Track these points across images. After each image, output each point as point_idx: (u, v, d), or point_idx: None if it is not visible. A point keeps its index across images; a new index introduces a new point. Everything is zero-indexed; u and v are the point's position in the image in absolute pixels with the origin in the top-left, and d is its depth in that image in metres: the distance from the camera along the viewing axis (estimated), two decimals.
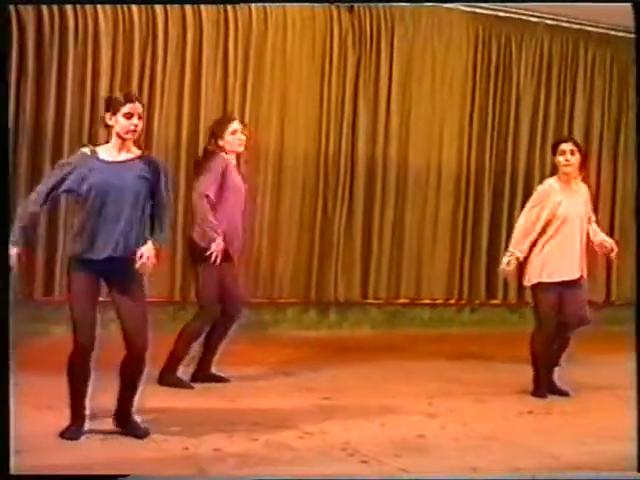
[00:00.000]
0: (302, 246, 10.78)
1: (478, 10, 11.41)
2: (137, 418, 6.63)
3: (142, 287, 6.51)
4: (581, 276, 8.41)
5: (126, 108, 6.41)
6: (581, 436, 7.45)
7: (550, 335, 8.47)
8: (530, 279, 8.44)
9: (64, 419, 6.39)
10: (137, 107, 6.42)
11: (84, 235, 6.34)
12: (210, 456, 6.36)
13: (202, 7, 10.06)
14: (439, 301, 11.66)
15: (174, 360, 8.08)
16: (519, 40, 11.82)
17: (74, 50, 9.57)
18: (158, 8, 9.87)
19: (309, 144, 10.72)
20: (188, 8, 9.99)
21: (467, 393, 8.60)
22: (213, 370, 8.30)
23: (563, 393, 8.58)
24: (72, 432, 6.39)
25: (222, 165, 7.96)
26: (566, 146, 8.25)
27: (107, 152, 6.42)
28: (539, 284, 8.37)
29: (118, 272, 6.37)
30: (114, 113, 6.39)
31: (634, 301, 10.52)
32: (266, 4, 10.26)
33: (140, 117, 6.42)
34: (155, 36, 9.92)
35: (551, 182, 8.40)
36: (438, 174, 11.48)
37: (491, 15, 11.53)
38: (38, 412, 6.65)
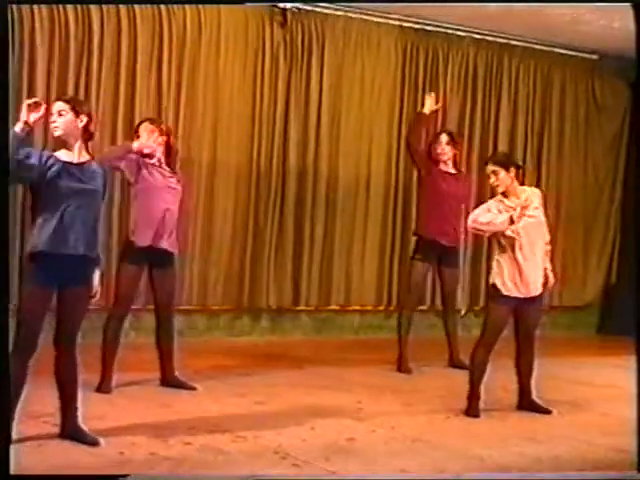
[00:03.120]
0: (234, 254, 10.81)
1: (406, 24, 11.51)
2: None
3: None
4: None
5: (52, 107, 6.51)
6: (506, 438, 7.59)
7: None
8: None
9: None
10: (56, 105, 6.49)
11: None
12: (145, 460, 6.41)
13: (137, 17, 10.04)
14: (368, 308, 11.73)
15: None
16: (446, 53, 11.94)
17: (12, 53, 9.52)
18: (94, 12, 9.83)
19: (241, 156, 10.76)
20: (123, 14, 9.97)
21: (396, 397, 8.68)
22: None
23: (545, 411, 8.37)
24: None
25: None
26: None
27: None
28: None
29: None
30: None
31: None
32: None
33: (60, 114, 6.45)
34: (90, 42, 9.89)
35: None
36: (367, 185, 11.55)
37: (419, 29, 11.64)
38: None
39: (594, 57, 12.89)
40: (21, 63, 9.59)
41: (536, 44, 12.40)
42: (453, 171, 9.83)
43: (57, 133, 6.50)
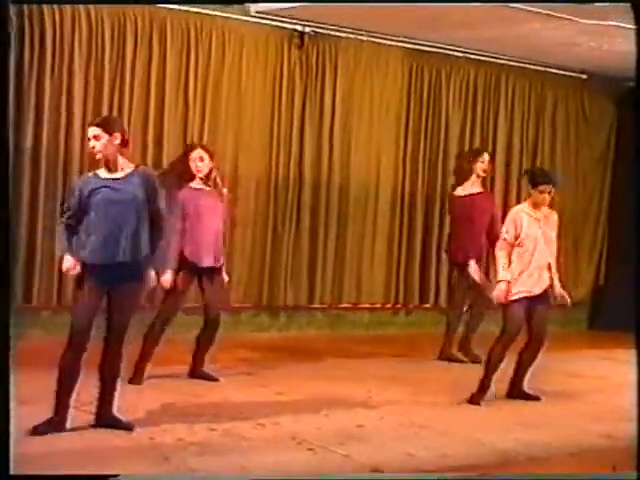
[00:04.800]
0: (255, 257, 10.76)
1: (412, 46, 11.45)
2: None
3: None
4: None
5: (88, 132, 6.51)
6: (503, 425, 7.53)
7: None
8: None
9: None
10: (90, 130, 6.48)
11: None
12: (173, 445, 6.36)
13: (168, 39, 10.02)
14: (377, 305, 11.68)
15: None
16: (448, 72, 11.89)
17: (50, 78, 9.49)
18: (129, 38, 9.81)
19: (260, 167, 10.72)
20: (155, 39, 9.94)
21: (403, 387, 8.63)
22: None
23: (534, 398, 8.34)
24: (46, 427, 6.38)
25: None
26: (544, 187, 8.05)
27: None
28: None
29: None
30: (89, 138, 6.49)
31: None
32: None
33: (96, 138, 6.43)
34: (124, 62, 9.86)
35: None
36: (376, 193, 11.51)
37: (423, 51, 11.58)
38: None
39: (583, 77, 12.83)
40: (60, 84, 9.54)
41: (530, 65, 12.35)
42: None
43: (98, 156, 6.50)
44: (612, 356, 8.81)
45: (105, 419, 6.56)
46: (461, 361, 9.83)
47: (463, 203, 9.81)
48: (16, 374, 5.21)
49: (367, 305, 11.55)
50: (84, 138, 9.61)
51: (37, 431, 6.26)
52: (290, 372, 8.75)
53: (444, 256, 11.94)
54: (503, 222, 8.32)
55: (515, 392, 8.37)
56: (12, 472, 4.96)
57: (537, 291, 8.07)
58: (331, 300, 11.32)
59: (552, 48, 11.05)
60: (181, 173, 8.14)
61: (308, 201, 11.06)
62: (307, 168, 11.02)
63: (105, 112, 9.73)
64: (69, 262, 6.43)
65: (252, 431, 6.79)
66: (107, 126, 6.53)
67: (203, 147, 8.35)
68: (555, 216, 8.29)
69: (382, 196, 11.56)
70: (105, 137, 6.45)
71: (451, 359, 9.84)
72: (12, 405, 4.99)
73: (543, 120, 12.74)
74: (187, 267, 8.08)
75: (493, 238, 9.15)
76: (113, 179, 6.44)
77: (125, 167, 6.51)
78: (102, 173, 6.49)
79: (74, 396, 6.46)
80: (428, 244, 11.95)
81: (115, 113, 9.79)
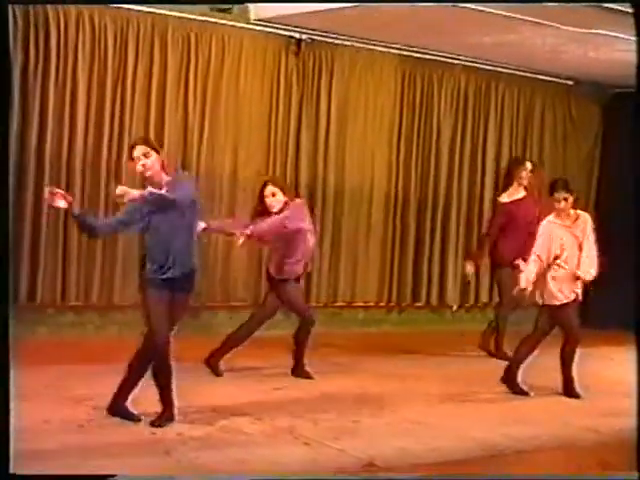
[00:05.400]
0: (253, 258, 10.73)
1: (405, 53, 11.44)
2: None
3: None
4: None
5: (134, 152, 6.48)
6: (493, 420, 7.53)
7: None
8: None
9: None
10: (138, 149, 6.44)
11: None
12: (174, 439, 6.35)
13: (169, 45, 9.99)
14: (371, 304, 11.66)
15: None
16: (440, 79, 11.87)
17: (55, 85, 9.47)
18: (131, 43, 9.77)
19: (258, 168, 10.68)
20: (156, 45, 9.92)
21: (396, 383, 8.63)
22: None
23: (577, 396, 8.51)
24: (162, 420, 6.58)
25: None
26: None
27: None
28: None
29: None
30: (131, 159, 6.51)
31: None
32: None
33: (146, 156, 6.40)
34: (126, 67, 9.81)
35: None
36: (370, 196, 11.50)
37: (416, 58, 11.56)
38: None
39: (570, 83, 12.83)
40: (64, 87, 9.52)
41: (519, 71, 12.34)
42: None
43: (149, 173, 6.47)
44: (599, 353, 8.82)
45: (167, 414, 6.66)
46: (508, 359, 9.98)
47: (509, 209, 10.04)
48: (18, 371, 5.19)
49: (361, 303, 11.53)
50: (86, 141, 9.67)
51: (155, 424, 6.53)
52: (288, 369, 8.72)
53: (436, 256, 12.00)
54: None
55: (568, 390, 8.54)
56: (12, 471, 4.92)
57: (572, 297, 8.31)
58: (326, 299, 11.30)
59: (540, 55, 11.05)
60: (257, 207, 8.40)
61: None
62: (303, 170, 11.01)
63: (107, 115, 9.74)
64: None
65: (250, 426, 6.79)
66: (151, 143, 6.58)
67: (274, 183, 8.51)
68: (585, 216, 8.44)
69: (376, 198, 11.55)
70: (154, 155, 6.44)
71: (503, 358, 9.74)
72: (12, 405, 4.95)
73: (532, 125, 12.74)
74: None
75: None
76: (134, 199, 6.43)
77: (168, 180, 6.49)
78: (151, 190, 6.46)
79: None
80: (420, 245, 11.94)
81: (117, 117, 9.79)
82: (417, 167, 11.86)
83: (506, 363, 8.70)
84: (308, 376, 8.58)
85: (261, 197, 8.33)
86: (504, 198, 10.13)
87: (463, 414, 7.68)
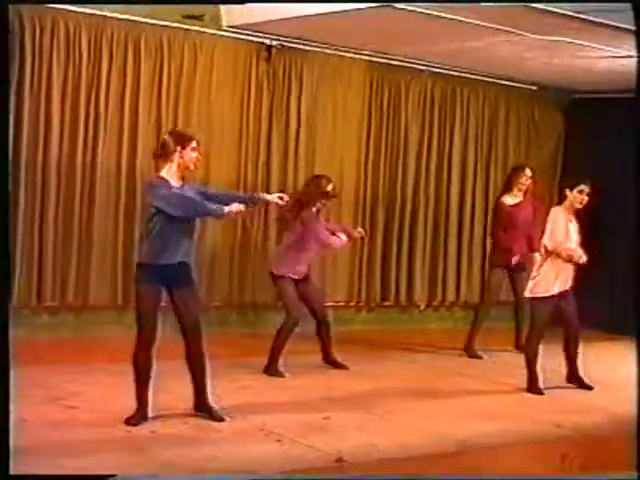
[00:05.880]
0: (224, 258, 10.71)
1: (374, 59, 11.44)
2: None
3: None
4: None
5: (193, 143, 6.70)
6: (462, 416, 7.56)
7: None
8: None
9: None
10: (194, 143, 6.74)
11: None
12: (148, 437, 6.33)
13: (142, 51, 9.94)
14: (341, 303, 11.65)
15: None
16: (407, 84, 11.87)
17: (30, 90, 9.41)
18: (104, 48, 9.71)
19: (230, 171, 10.66)
20: (130, 50, 9.86)
21: (365, 380, 8.64)
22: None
23: (588, 387, 8.73)
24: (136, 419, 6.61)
25: None
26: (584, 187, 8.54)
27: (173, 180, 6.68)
28: None
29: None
30: (183, 147, 6.66)
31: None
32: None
33: (195, 150, 6.76)
34: (100, 76, 9.75)
35: None
36: (339, 196, 11.44)
37: (384, 63, 11.56)
38: None
39: (534, 88, 12.88)
40: (39, 91, 9.46)
41: (485, 77, 12.37)
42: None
43: (192, 167, 6.81)
44: (559, 351, 8.86)
45: (202, 408, 6.84)
46: (480, 358, 10.23)
47: (510, 211, 10.30)
48: None
49: (331, 303, 11.50)
50: (62, 143, 9.62)
51: (130, 422, 6.56)
52: (259, 366, 8.71)
53: (404, 256, 12.02)
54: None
55: (574, 380, 8.78)
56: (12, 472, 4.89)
57: (567, 287, 8.50)
58: None
59: (505, 61, 11.08)
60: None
61: (275, 206, 10.93)
62: (274, 173, 10.98)
63: (82, 120, 9.68)
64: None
65: (222, 424, 6.78)
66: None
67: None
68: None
69: (345, 199, 11.53)
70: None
71: (472, 356, 10.21)
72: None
73: (497, 128, 12.79)
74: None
75: (530, 240, 10.01)
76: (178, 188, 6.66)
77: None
78: (172, 182, 6.66)
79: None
80: (388, 245, 11.96)
81: (91, 120, 9.74)
82: (385, 169, 11.87)
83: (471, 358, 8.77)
84: (280, 375, 8.59)
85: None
86: (507, 200, 10.34)
87: (431, 410, 7.71)
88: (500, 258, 10.31)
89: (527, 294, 8.59)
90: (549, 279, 8.39)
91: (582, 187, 8.53)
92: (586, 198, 8.53)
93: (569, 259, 8.37)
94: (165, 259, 6.57)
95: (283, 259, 8.90)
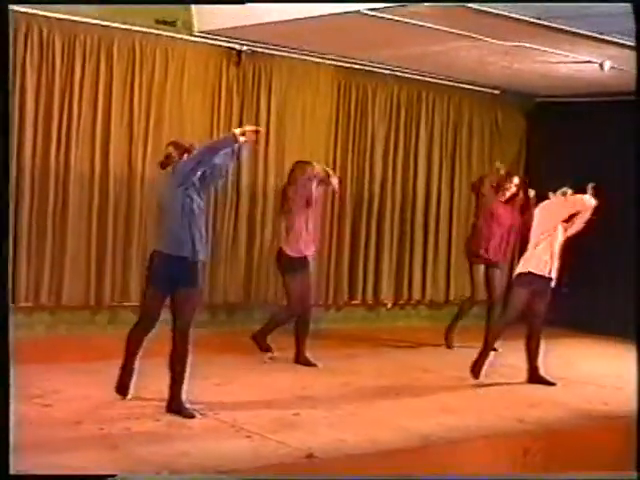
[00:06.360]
0: None
1: (341, 64, 11.47)
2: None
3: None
4: None
5: None
6: (426, 411, 7.59)
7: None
8: None
9: None
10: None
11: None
12: (121, 434, 6.32)
13: (115, 56, 9.92)
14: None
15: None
16: (374, 88, 11.91)
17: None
18: (77, 55, 9.67)
19: None
20: (103, 55, 9.83)
21: (334, 377, 8.66)
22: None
23: (549, 383, 8.82)
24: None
25: None
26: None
27: None
28: None
29: None
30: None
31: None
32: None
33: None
34: (73, 80, 9.71)
35: None
36: None
37: (351, 68, 11.59)
38: None
39: (496, 92, 12.95)
40: (13, 89, 9.37)
41: (449, 81, 12.42)
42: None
43: None
44: (521, 347, 8.92)
45: (174, 410, 6.84)
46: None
47: (496, 206, 10.53)
48: None
49: None
50: (35, 145, 9.58)
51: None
52: (230, 364, 8.72)
53: (371, 255, 12.05)
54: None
55: (535, 376, 8.86)
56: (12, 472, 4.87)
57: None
58: (266, 298, 11.26)
59: (468, 66, 11.14)
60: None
61: (245, 205, 11.03)
62: (245, 175, 10.98)
63: (55, 125, 9.63)
64: None
65: (193, 420, 6.78)
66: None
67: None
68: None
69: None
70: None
71: (450, 346, 10.57)
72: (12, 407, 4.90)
73: (460, 131, 12.85)
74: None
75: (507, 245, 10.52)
76: None
77: None
78: None
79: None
80: (356, 245, 11.98)
81: (65, 123, 9.69)
82: (353, 170, 11.90)
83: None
84: (310, 364, 9.04)
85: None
86: (498, 196, 10.60)
87: (397, 406, 7.74)
88: (475, 255, 10.54)
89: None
90: (541, 259, 8.64)
91: (565, 189, 8.70)
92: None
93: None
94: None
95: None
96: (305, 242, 9.09)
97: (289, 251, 9.07)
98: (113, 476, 5.29)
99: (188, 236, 6.77)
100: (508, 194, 10.55)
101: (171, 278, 6.79)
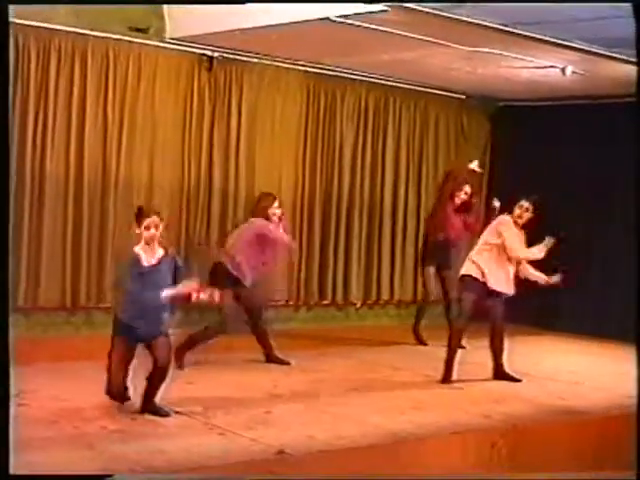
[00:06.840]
0: None
1: (310, 69, 11.48)
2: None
3: None
4: None
5: (146, 221, 6.55)
6: (396, 408, 7.60)
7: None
8: None
9: None
10: (154, 220, 6.56)
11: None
12: (97, 433, 6.29)
13: (89, 62, 9.87)
14: (280, 302, 11.65)
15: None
16: (342, 93, 11.93)
17: None
18: (52, 62, 9.62)
19: (173, 178, 10.61)
20: (77, 61, 9.79)
21: (304, 375, 8.67)
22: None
23: (515, 379, 8.82)
24: None
25: None
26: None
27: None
28: None
29: None
30: (139, 225, 6.60)
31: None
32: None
33: (157, 227, 6.55)
34: (47, 87, 9.67)
35: None
36: (278, 199, 11.47)
37: (320, 73, 11.61)
38: None
39: (462, 97, 13.00)
40: None
41: (415, 86, 12.46)
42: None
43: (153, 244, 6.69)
44: (487, 345, 8.96)
45: (149, 410, 6.79)
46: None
47: (453, 206, 10.66)
48: None
49: (271, 303, 11.51)
50: (10, 150, 9.49)
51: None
52: (199, 363, 8.69)
53: (340, 256, 12.06)
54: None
55: (500, 374, 8.85)
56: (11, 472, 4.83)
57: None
58: None
59: (434, 71, 11.18)
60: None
61: (217, 208, 11.01)
62: (216, 179, 10.96)
63: (31, 126, 9.58)
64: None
65: (168, 419, 6.76)
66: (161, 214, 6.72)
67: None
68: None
69: (284, 203, 11.45)
70: (161, 226, 6.62)
71: (424, 343, 10.71)
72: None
73: (427, 136, 12.89)
74: None
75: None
76: (151, 267, 6.62)
77: (157, 252, 6.68)
78: (144, 259, 6.62)
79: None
80: (325, 246, 12.00)
81: (40, 128, 9.64)
82: (322, 173, 11.92)
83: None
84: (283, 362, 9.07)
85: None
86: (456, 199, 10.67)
87: (366, 403, 7.75)
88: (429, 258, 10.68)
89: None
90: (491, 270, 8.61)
91: (522, 202, 8.66)
92: (525, 214, 8.63)
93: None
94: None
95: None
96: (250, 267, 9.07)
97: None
98: (111, 476, 5.26)
99: None
100: (458, 202, 10.61)
101: None
